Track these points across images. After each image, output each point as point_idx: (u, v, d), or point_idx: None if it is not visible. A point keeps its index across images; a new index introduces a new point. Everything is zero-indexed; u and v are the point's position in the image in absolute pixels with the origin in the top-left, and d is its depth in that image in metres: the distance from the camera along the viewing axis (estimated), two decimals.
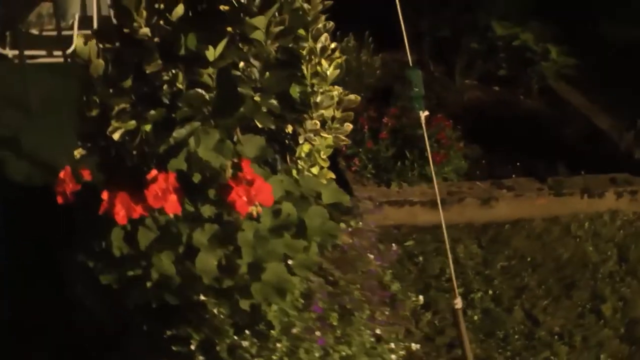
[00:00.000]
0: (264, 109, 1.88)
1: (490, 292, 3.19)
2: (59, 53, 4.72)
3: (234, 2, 1.68)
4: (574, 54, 4.70)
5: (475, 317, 3.05)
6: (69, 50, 4.64)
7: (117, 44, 1.88)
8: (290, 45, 1.82)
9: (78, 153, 2.12)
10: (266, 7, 1.63)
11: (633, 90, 4.69)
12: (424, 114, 2.23)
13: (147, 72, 1.83)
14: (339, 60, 1.96)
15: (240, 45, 1.69)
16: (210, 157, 1.81)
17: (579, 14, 5.53)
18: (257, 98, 1.75)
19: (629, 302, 3.17)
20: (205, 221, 1.75)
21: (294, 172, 2.09)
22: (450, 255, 2.42)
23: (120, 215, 1.71)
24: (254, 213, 1.70)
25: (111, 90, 1.83)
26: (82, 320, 2.23)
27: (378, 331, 1.92)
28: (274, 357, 1.82)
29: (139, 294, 1.87)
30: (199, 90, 1.74)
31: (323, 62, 1.93)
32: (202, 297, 1.83)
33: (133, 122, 1.89)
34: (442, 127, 3.86)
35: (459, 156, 3.84)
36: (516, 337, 2.95)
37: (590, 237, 3.58)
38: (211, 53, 1.64)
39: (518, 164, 4.04)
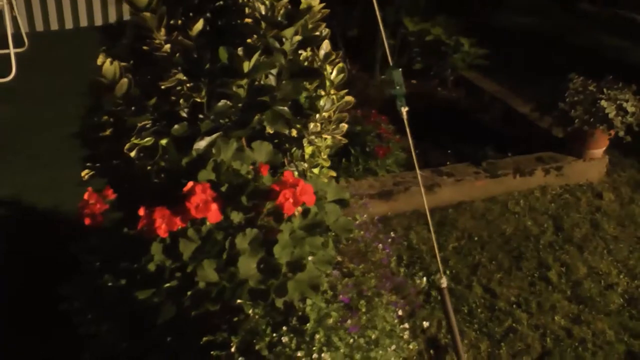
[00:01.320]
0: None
1: (448, 272, 3.44)
2: None
3: (257, 15, 1.77)
4: (481, 44, 5.09)
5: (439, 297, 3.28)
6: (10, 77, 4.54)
7: (132, 61, 1.92)
8: (308, 55, 1.94)
9: (85, 174, 2.14)
10: (294, 19, 1.74)
11: (537, 73, 5.16)
12: (405, 110, 2.41)
13: (163, 87, 1.89)
14: (341, 65, 2.10)
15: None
16: (237, 165, 1.90)
17: (468, 7, 5.99)
18: (278, 107, 1.85)
19: (570, 266, 3.52)
20: (243, 227, 1.83)
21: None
22: (434, 238, 2.60)
23: (162, 229, 1.77)
24: (296, 213, 1.81)
25: (133, 108, 1.87)
26: (92, 353, 2.24)
27: (400, 312, 2.08)
28: (313, 349, 1.93)
29: (174, 307, 1.92)
30: (227, 102, 1.82)
31: (327, 67, 2.06)
32: (238, 301, 1.91)
33: (150, 139, 1.94)
34: (379, 121, 4.08)
35: (398, 148, 4.07)
36: (479, 310, 3.21)
37: (527, 212, 3.93)
38: (246, 65, 1.73)
39: (449, 151, 4.33)
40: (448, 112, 4.79)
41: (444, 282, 2.61)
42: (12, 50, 5.05)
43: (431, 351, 2.92)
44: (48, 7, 6.01)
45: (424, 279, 2.61)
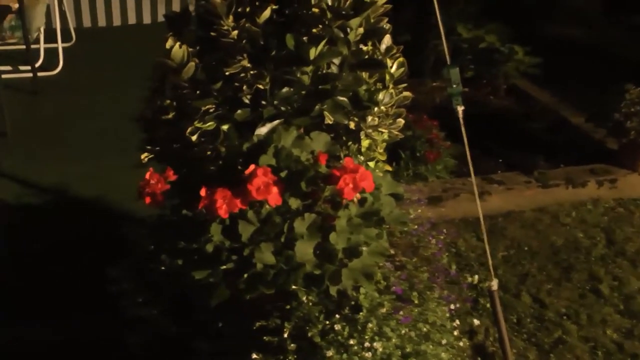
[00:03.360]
0: None
1: (497, 280, 3.48)
2: (27, 68, 4.74)
3: (324, 5, 1.88)
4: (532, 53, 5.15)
5: (488, 305, 3.33)
6: (38, 64, 4.69)
7: (197, 47, 2.03)
8: (369, 49, 2.05)
9: (145, 157, 2.26)
10: (360, 10, 1.85)
11: (586, 84, 5.19)
12: (461, 108, 2.48)
13: (227, 73, 2.00)
14: (401, 59, 2.19)
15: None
16: (297, 152, 1.99)
17: (517, 16, 6.04)
18: (338, 97, 1.95)
19: (622, 280, 3.53)
20: (301, 213, 1.93)
21: None
22: (486, 241, 2.67)
23: (223, 209, 1.87)
24: (355, 200, 1.90)
25: (197, 92, 1.98)
26: (139, 337, 2.35)
27: (452, 307, 2.15)
28: (365, 337, 2.02)
29: (228, 289, 2.02)
30: (290, 89, 1.92)
31: (388, 60, 2.16)
32: (293, 286, 2.00)
33: (212, 123, 2.06)
34: (430, 126, 4.16)
35: (448, 154, 4.14)
36: (528, 320, 3.25)
37: (578, 224, 3.96)
38: (313, 51, 1.84)
39: (500, 159, 4.39)
40: (499, 120, 4.85)
41: (494, 285, 2.66)
42: (60, 45, 5.25)
43: (478, 359, 2.97)
44: (96, 3, 6.23)
45: (476, 276, 2.67)
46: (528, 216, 4.00)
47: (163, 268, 2.14)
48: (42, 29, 4.97)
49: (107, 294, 2.27)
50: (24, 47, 4.82)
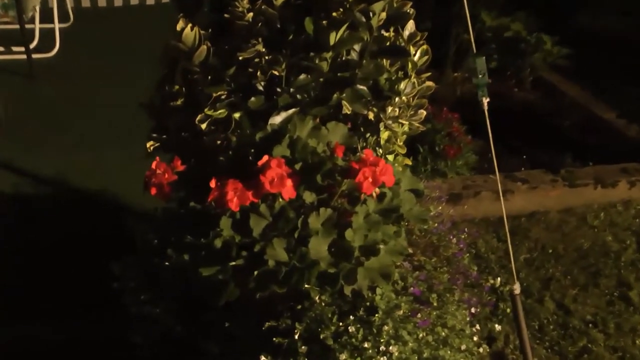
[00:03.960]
0: None
1: (518, 284, 3.49)
2: (20, 49, 4.76)
3: None
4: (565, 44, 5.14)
5: (508, 310, 3.34)
6: (32, 45, 4.70)
7: (209, 30, 2.05)
8: (391, 36, 2.06)
9: (150, 146, 2.28)
10: None
11: (621, 79, 5.18)
12: (486, 101, 2.49)
13: (240, 58, 2.02)
14: (425, 47, 2.20)
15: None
16: (313, 143, 2.01)
17: (545, 3, 6.02)
18: (358, 86, 1.96)
19: None
20: (316, 208, 1.94)
21: None
22: (509, 242, 2.68)
23: (234, 202, 1.88)
24: (374, 194, 1.91)
25: (209, 78, 2.00)
26: (143, 335, 2.37)
27: (473, 310, 2.17)
28: (381, 341, 2.03)
29: (238, 288, 2.04)
30: (308, 76, 1.94)
31: (411, 48, 2.17)
32: (306, 285, 2.02)
33: (224, 111, 2.07)
34: (451, 120, 4.17)
35: (469, 150, 4.15)
36: (551, 327, 3.26)
37: (607, 227, 3.96)
38: (333, 36, 1.85)
39: (524, 156, 4.39)
40: (524, 115, 4.85)
41: (517, 289, 2.67)
42: (56, 25, 5.26)
43: None
44: None
45: (498, 279, 2.68)
46: (553, 217, 4.01)
47: (168, 264, 2.15)
48: (37, 8, 4.98)
49: (109, 291, 2.29)
50: (17, 26, 4.81)
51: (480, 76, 2.46)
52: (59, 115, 4.47)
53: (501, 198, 2.60)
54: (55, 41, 5.18)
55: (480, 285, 2.62)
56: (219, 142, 2.15)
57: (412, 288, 2.11)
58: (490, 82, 5.05)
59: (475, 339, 2.29)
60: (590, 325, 3.28)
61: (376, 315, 2.07)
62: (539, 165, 4.23)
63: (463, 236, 2.50)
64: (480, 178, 3.99)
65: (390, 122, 2.27)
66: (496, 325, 2.98)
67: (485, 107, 2.53)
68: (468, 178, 4.00)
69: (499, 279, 2.82)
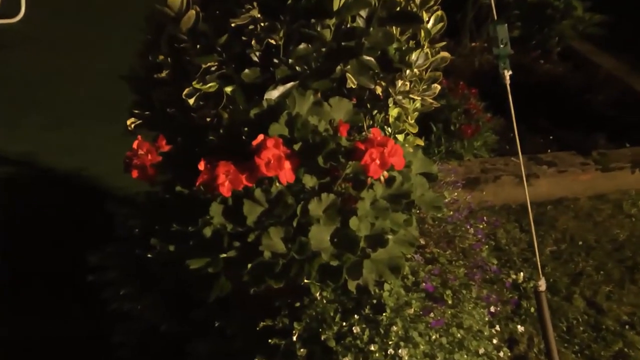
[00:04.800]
0: None
1: (544, 280, 3.50)
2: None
3: None
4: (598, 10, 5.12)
5: (532, 309, 3.35)
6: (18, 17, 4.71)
7: None
8: (402, 1, 2.06)
9: (131, 123, 2.28)
10: None
11: None
12: (508, 74, 2.49)
13: (233, 25, 2.02)
14: (439, 13, 2.20)
15: None
16: (314, 121, 2.01)
17: None
18: (364, 57, 1.97)
19: None
20: (317, 193, 1.95)
21: None
22: (533, 233, 2.69)
23: (225, 186, 1.89)
24: (382, 178, 1.92)
25: (198, 47, 2.00)
26: (124, 335, 2.38)
27: (492, 309, 2.18)
28: (389, 343, 2.04)
29: (229, 282, 2.05)
30: (308, 45, 1.94)
31: (424, 14, 2.17)
32: (305, 280, 2.03)
33: (214, 84, 2.08)
34: (468, 95, 4.17)
35: (488, 129, 4.16)
36: (581, 328, 3.26)
37: None
38: (337, 1, 1.86)
39: (551, 136, 4.40)
40: (551, 90, 4.85)
41: (541, 285, 2.68)
42: None
43: None
44: None
45: (520, 274, 2.70)
46: (584, 204, 4.02)
47: (152, 255, 2.16)
48: None
49: (86, 284, 2.30)
50: None
51: (501, 46, 2.46)
52: (28, 88, 4.46)
53: (524, 182, 2.60)
54: (20, 5, 5.14)
55: (500, 280, 2.64)
56: (208, 119, 2.16)
57: (424, 283, 2.12)
58: (512, 53, 5.06)
59: (494, 341, 2.30)
60: (627, 326, 3.27)
61: (384, 314, 2.08)
62: (567, 147, 4.24)
63: (481, 226, 2.51)
64: (500, 160, 4.00)
65: (400, 97, 2.28)
66: (518, 326, 2.99)
67: (507, 81, 2.53)
68: (487, 160, 4.00)
69: (521, 274, 2.84)
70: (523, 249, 3.69)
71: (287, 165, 1.90)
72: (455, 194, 2.41)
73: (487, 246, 2.44)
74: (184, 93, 2.05)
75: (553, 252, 3.69)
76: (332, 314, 2.08)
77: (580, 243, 3.75)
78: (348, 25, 2.00)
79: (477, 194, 3.83)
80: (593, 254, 3.69)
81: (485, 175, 3.88)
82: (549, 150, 4.19)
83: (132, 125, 2.23)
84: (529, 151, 4.18)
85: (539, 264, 2.73)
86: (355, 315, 2.08)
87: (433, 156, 3.92)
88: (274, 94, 2.05)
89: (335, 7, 1.89)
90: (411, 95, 2.29)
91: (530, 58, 5.14)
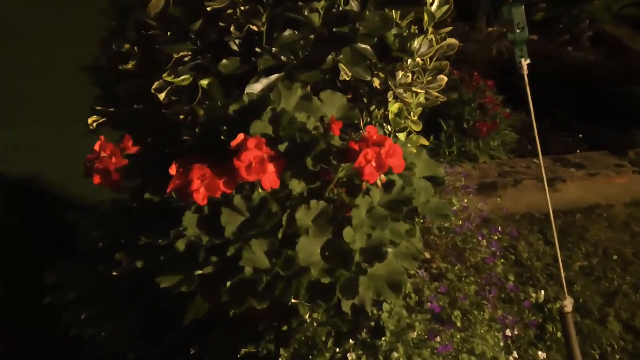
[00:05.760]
0: None
1: (572, 299, 3.53)
2: None
3: None
4: None
5: (559, 333, 3.38)
6: None
7: None
8: None
9: (93, 122, 2.32)
10: None
11: None
12: (526, 63, 2.53)
13: (209, 9, 2.06)
14: None
15: None
16: (302, 118, 2.05)
17: None
18: (359, 45, 2.01)
19: None
20: (306, 200, 1.98)
21: None
22: (557, 245, 2.73)
23: (201, 193, 1.93)
24: (379, 183, 1.96)
25: (169, 34, 2.05)
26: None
27: (509, 332, 2.22)
28: None
29: (207, 302, 2.08)
30: (295, 32, 1.98)
31: None
32: (293, 300, 2.06)
33: (188, 77, 2.12)
34: (483, 88, 4.21)
35: (507, 126, 4.20)
36: (617, 356, 3.29)
37: None
38: None
39: (580, 135, 4.44)
40: (581, 81, 4.88)
41: (568, 306, 2.71)
42: None
43: None
44: None
45: (542, 292, 2.73)
46: (619, 212, 4.06)
47: (117, 273, 2.18)
48: None
49: (44, 307, 2.33)
50: None
51: (518, 31, 2.51)
52: None
53: (546, 187, 2.64)
54: None
55: (519, 300, 2.66)
56: (182, 116, 2.19)
57: (429, 303, 2.16)
58: (534, 39, 5.10)
59: None
60: None
61: (383, 338, 2.11)
62: (600, 146, 4.28)
63: (496, 237, 2.54)
64: (521, 162, 4.05)
65: (401, 91, 2.31)
66: (540, 353, 3.01)
67: (525, 71, 2.57)
68: (506, 163, 4.05)
69: (543, 292, 2.85)
70: (548, 264, 3.72)
71: (271, 168, 1.92)
72: (466, 200, 2.44)
73: (503, 260, 2.47)
74: (154, 87, 2.08)
75: (583, 267, 3.72)
76: (324, 338, 2.11)
77: (615, 257, 3.78)
78: (340, 9, 2.03)
79: (493, 201, 3.87)
80: (631, 269, 3.72)
81: (504, 180, 3.92)
82: (578, 151, 4.24)
83: (95, 124, 2.26)
84: (555, 151, 4.22)
85: (563, 280, 2.77)
86: (351, 340, 2.11)
87: (443, 158, 3.94)
88: (256, 87, 2.07)
89: None
90: (414, 89, 2.32)
91: (558, 44, 5.16)
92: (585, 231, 3.91)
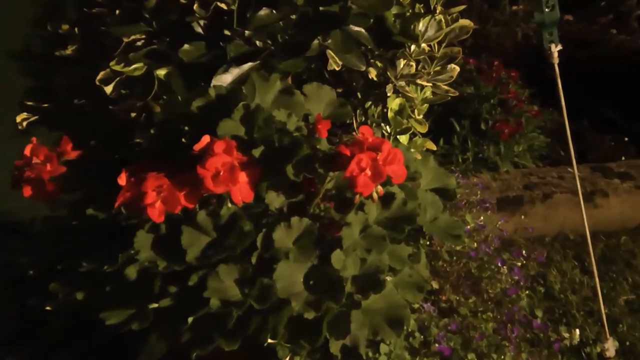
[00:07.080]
0: None
1: (616, 341, 3.57)
2: None
3: None
4: None
5: None
6: None
7: None
8: None
9: (23, 120, 2.33)
10: None
11: None
12: (556, 49, 2.56)
13: None
14: None
15: None
16: (281, 116, 2.07)
17: None
18: (351, 27, 2.04)
19: None
20: (286, 216, 2.01)
21: None
22: (595, 274, 2.76)
23: (157, 208, 1.94)
24: (374, 195, 1.98)
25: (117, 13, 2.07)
26: None
27: None
28: None
29: (163, 342, 2.10)
30: (272, 11, 2.01)
31: None
32: (269, 339, 2.08)
33: (141, 65, 2.14)
34: (505, 80, 4.24)
35: (534, 127, 4.22)
36: None
37: None
38: None
39: (626, 138, 4.47)
40: (628, 71, 4.90)
41: (610, 349, 2.74)
42: None
43: None
44: None
45: (577, 331, 2.76)
46: None
47: (51, 308, 2.19)
48: None
49: None
50: None
51: (546, 9, 2.53)
52: None
53: (581, 202, 2.67)
54: None
55: (549, 341, 2.69)
56: (134, 113, 2.20)
57: (437, 344, 2.18)
58: (569, 20, 5.14)
59: None
60: None
61: None
62: None
63: (520, 263, 2.56)
64: (552, 172, 4.06)
65: (402, 83, 2.33)
66: None
67: (555, 59, 2.60)
68: (533, 172, 4.06)
69: (579, 332, 2.86)
70: (586, 297, 3.74)
71: (243, 177, 1.94)
72: (482, 218, 2.47)
73: (528, 292, 2.50)
74: (99, 77, 2.09)
75: (630, 302, 3.75)
76: None
77: None
78: None
79: (516, 219, 3.88)
80: None
81: (530, 193, 3.94)
82: (623, 157, 4.24)
83: (25, 123, 2.26)
84: (594, 159, 4.24)
85: (604, 318, 2.80)
86: None
87: (455, 166, 3.96)
88: (225, 78, 2.09)
89: None
90: (418, 81, 2.33)
91: (598, 26, 5.19)
92: (633, 257, 3.93)
